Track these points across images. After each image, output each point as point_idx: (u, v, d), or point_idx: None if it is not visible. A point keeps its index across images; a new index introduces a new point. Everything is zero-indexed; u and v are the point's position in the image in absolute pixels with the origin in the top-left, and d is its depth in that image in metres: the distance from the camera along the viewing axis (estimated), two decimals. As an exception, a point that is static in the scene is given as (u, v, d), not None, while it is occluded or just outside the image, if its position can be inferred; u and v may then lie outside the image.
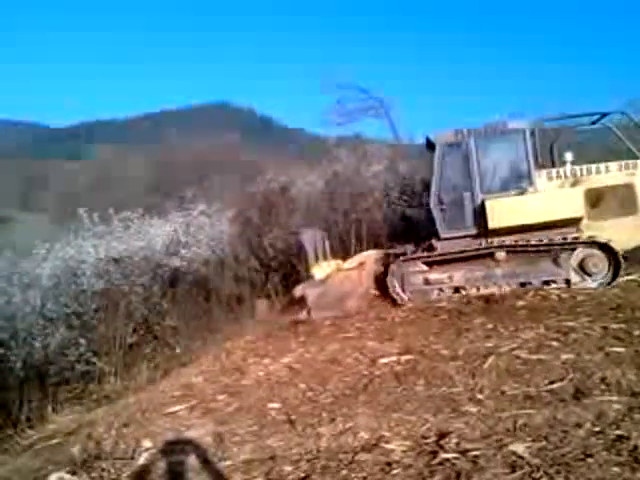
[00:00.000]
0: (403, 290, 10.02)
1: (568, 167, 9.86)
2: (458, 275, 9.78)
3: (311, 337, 8.72)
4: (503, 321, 7.78)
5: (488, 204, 9.53)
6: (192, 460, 4.73)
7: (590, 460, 3.65)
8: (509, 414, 4.62)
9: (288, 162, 22.78)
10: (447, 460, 3.94)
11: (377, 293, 10.45)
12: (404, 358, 6.75)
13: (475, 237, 9.92)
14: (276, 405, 5.82)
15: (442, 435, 4.39)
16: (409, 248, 10.65)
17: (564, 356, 5.95)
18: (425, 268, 10.06)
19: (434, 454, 4.09)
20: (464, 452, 4.02)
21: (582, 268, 9.37)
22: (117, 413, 6.60)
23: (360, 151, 15.63)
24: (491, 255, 9.71)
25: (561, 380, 5.28)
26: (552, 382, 5.27)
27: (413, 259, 10.16)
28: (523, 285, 9.49)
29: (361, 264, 10.34)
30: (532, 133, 9.95)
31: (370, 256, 10.79)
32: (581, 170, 9.76)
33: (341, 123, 17.88)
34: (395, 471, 3.93)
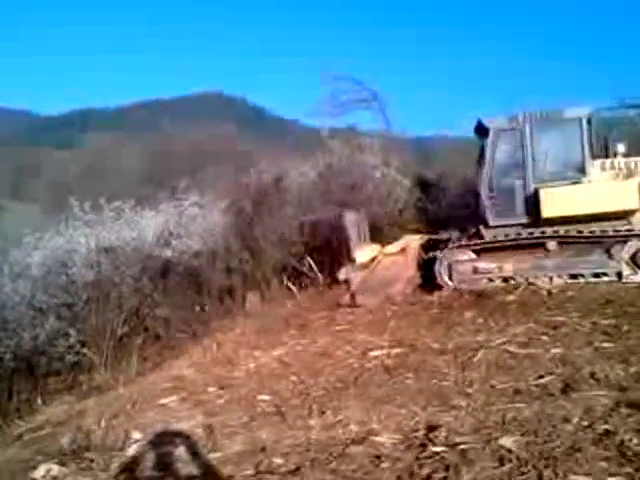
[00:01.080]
0: (450, 278, 9.89)
1: (621, 158, 9.77)
2: (508, 265, 9.62)
3: (302, 330, 8.75)
4: (493, 315, 7.83)
5: (542, 193, 9.38)
6: (182, 452, 4.72)
7: (578, 454, 3.67)
8: (498, 408, 4.65)
9: (281, 153, 22.68)
10: (436, 453, 3.96)
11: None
12: (395, 351, 6.79)
13: (525, 226, 9.76)
14: (267, 397, 5.83)
15: (431, 428, 4.41)
16: (454, 234, 10.52)
17: (553, 351, 6.00)
18: (473, 256, 9.92)
19: (423, 447, 4.10)
20: (453, 445, 4.04)
21: (634, 261, 9.29)
22: (107, 404, 6.59)
23: (354, 143, 15.58)
24: (542, 245, 9.60)
25: (550, 374, 5.32)
26: (541, 376, 5.31)
27: (462, 246, 9.99)
28: (574, 277, 9.40)
29: (404, 249, 10.26)
30: (589, 122, 9.73)
31: (414, 241, 10.62)
32: (635, 162, 9.69)
33: (334, 115, 17.77)
34: (384, 464, 3.94)
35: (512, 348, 6.28)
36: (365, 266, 10.05)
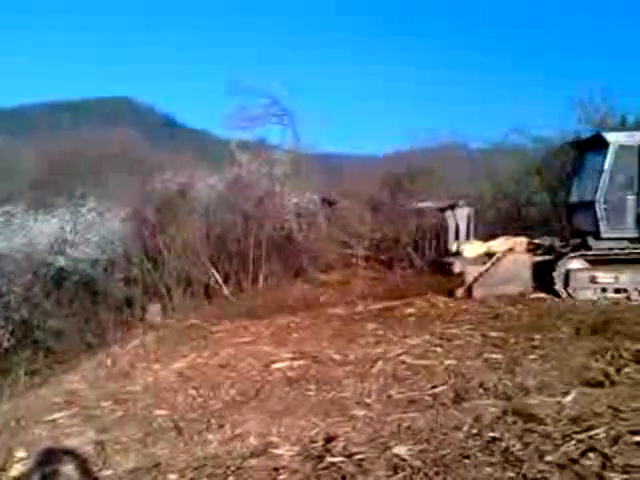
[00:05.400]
0: (566, 286, 9.83)
1: None
2: (624, 276, 9.73)
3: (204, 342, 8.58)
4: (393, 328, 8.08)
5: None
6: (70, 470, 4.48)
7: (466, 461, 3.85)
8: (394, 418, 4.79)
9: (189, 162, 22.25)
10: (333, 464, 4.01)
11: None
12: (297, 363, 6.82)
13: (635, 241, 9.97)
14: (163, 412, 5.64)
15: (330, 439, 4.46)
16: (556, 242, 10.67)
17: (447, 362, 6.29)
18: (588, 265, 10.00)
19: (321, 458, 4.14)
20: (350, 456, 4.10)
21: None
22: (-12, 421, 6.12)
23: (263, 155, 15.62)
24: None
25: (443, 385, 5.57)
26: (435, 386, 5.54)
27: (579, 255, 10.04)
28: None
29: (511, 249, 10.38)
30: None
31: (521, 243, 10.71)
32: None
33: (244, 127, 17.73)
34: (282, 476, 3.94)
35: (409, 359, 6.51)
36: (481, 261, 10.23)
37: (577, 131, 15.47)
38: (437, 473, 3.72)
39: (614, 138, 10.21)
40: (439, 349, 6.84)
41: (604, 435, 4.09)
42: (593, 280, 9.82)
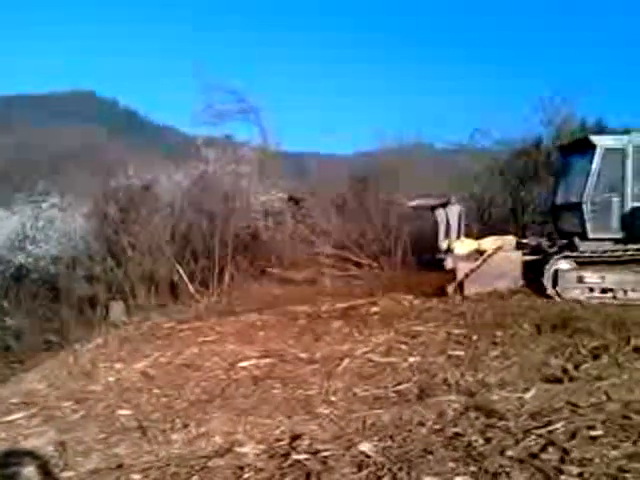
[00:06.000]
0: (554, 286, 9.92)
1: None
2: (610, 277, 9.83)
3: (168, 341, 8.49)
4: (358, 326, 8.14)
5: None
6: (30, 472, 4.37)
7: (430, 457, 3.90)
8: (359, 415, 4.82)
9: (153, 159, 21.91)
10: (298, 461, 4.01)
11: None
12: (263, 362, 6.80)
13: (619, 242, 10.12)
14: (127, 412, 5.56)
15: (295, 437, 4.47)
16: (544, 242, 10.84)
17: (411, 359, 6.38)
18: (575, 266, 10.11)
19: (286, 456, 4.14)
20: (315, 453, 4.12)
21: None
22: (-58, 423, 5.93)
23: (229, 153, 15.50)
24: (638, 261, 9.96)
25: (407, 381, 5.65)
26: (399, 383, 5.61)
27: (568, 256, 10.17)
28: None
29: (499, 247, 10.49)
30: None
31: (510, 241, 10.89)
32: None
33: (210, 124, 17.56)
34: (247, 475, 3.92)
35: (374, 357, 6.57)
36: (473, 258, 10.34)
37: (539, 133, 15.90)
38: (401, 469, 3.76)
39: (601, 141, 10.50)
40: (404, 346, 6.93)
41: (563, 430, 4.20)
42: (580, 280, 10.02)
